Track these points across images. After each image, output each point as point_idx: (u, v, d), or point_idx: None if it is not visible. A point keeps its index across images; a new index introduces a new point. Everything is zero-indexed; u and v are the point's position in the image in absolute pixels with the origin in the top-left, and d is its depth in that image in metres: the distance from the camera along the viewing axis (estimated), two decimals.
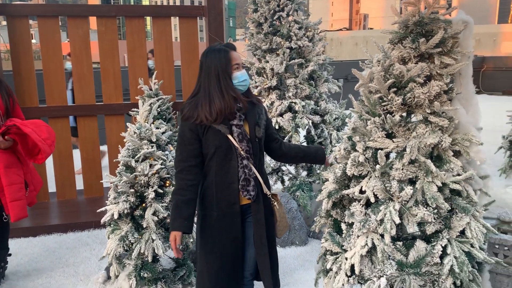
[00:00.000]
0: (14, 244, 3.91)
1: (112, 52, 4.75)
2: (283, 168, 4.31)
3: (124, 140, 3.06)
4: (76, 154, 4.96)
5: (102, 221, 2.96)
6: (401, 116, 2.06)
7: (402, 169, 2.01)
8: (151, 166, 2.90)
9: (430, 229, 2.01)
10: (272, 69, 4.09)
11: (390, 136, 2.09)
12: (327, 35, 25.58)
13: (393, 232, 1.98)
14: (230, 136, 2.18)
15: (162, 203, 2.91)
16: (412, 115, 2.10)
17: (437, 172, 1.98)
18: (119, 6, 5.28)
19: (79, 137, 4.88)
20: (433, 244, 2.01)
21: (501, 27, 25.55)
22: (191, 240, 3.06)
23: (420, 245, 2.02)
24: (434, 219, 1.99)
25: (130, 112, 4.15)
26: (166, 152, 3.07)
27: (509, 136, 5.42)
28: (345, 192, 2.16)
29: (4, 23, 4.92)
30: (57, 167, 4.80)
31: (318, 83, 4.26)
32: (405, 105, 2.04)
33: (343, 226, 2.20)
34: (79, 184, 4.96)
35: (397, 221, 1.96)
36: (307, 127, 4.07)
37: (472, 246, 2.01)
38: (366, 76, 2.13)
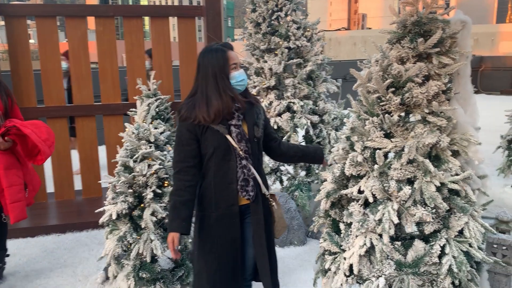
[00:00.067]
0: (12, 245, 3.90)
1: (110, 52, 4.75)
2: (282, 168, 4.31)
3: (123, 140, 3.05)
4: (75, 154, 4.95)
5: (100, 221, 2.95)
6: (399, 116, 2.06)
7: (401, 169, 2.01)
8: (149, 166, 2.90)
9: (428, 229, 2.01)
10: (270, 69, 4.09)
11: (388, 136, 2.09)
12: (325, 35, 25.60)
13: (392, 232, 1.98)
14: (228, 136, 2.17)
15: (161, 203, 2.90)
16: (411, 115, 2.11)
17: (436, 172, 1.98)
18: (117, 6, 5.28)
19: (77, 137, 4.88)
20: (431, 244, 2.01)
21: (499, 26, 25.59)
22: (190, 240, 3.06)
23: (418, 245, 2.02)
24: (433, 219, 1.99)
25: (128, 112, 4.15)
26: (165, 152, 3.06)
27: (508, 136, 5.42)
28: (344, 192, 2.16)
29: (2, 23, 4.92)
30: (56, 167, 4.79)
31: (316, 83, 4.26)
32: (403, 105, 2.04)
33: (342, 226, 2.20)
34: (78, 185, 4.95)
35: (396, 221, 1.96)
36: (305, 127, 4.07)
37: (470, 245, 2.01)
38: (365, 76, 2.13)
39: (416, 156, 2.00)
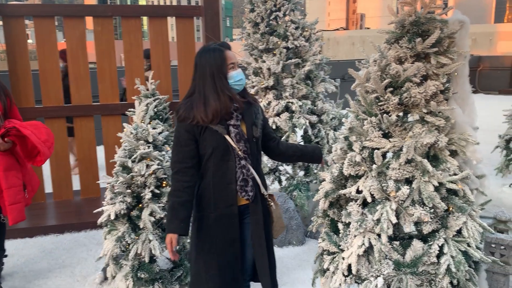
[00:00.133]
0: (10, 245, 3.89)
1: (109, 52, 4.74)
2: (280, 168, 4.31)
3: (121, 140, 3.05)
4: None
5: (98, 221, 2.95)
6: (397, 115, 2.06)
7: (399, 169, 2.01)
8: (147, 166, 2.89)
9: (426, 229, 2.02)
10: (269, 69, 4.09)
11: (386, 136, 2.09)
12: (324, 34, 25.58)
13: (390, 231, 1.98)
14: (227, 137, 2.16)
15: (159, 203, 2.90)
16: (409, 115, 2.11)
17: (434, 172, 1.98)
18: (115, 6, 5.27)
19: (76, 137, 4.87)
20: (430, 243, 2.02)
21: (497, 26, 25.62)
22: (188, 240, 3.05)
23: (417, 244, 2.02)
24: (431, 218, 2.00)
25: (126, 112, 4.14)
26: (163, 153, 3.06)
27: (506, 135, 5.43)
28: (342, 192, 2.16)
29: (0, 23, 4.90)
30: (54, 167, 4.78)
31: (315, 83, 4.26)
32: (402, 104, 2.04)
33: (340, 226, 2.20)
34: (76, 185, 4.95)
35: (394, 220, 1.96)
36: (304, 127, 4.07)
37: (468, 245, 2.02)
38: (363, 76, 2.13)
39: (414, 156, 2.00)
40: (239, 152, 2.18)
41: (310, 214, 4.13)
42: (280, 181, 4.30)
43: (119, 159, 2.94)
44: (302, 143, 4.21)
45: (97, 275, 3.29)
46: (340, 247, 2.16)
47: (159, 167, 2.92)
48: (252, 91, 4.19)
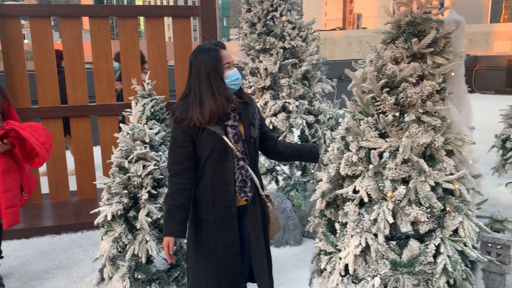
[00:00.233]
0: (6, 246, 3.88)
1: (105, 52, 4.73)
2: (277, 168, 4.32)
3: (118, 141, 3.04)
4: (70, 154, 4.93)
5: (95, 222, 2.94)
6: (394, 116, 2.06)
7: (395, 169, 2.01)
8: (144, 167, 2.89)
9: (423, 229, 2.02)
10: (265, 69, 4.09)
11: (383, 136, 2.09)
12: (320, 34, 25.60)
13: (387, 231, 1.98)
14: (225, 137, 2.14)
15: (156, 204, 2.89)
16: (405, 115, 2.11)
17: (430, 172, 1.98)
18: (112, 6, 5.26)
19: (72, 138, 4.85)
20: (426, 243, 2.02)
21: (493, 26, 25.71)
22: (185, 241, 3.05)
23: (413, 244, 2.02)
24: (427, 218, 2.00)
25: (123, 112, 4.14)
26: (160, 153, 3.06)
27: (502, 135, 5.45)
28: (339, 192, 2.16)
29: None
30: (50, 168, 4.77)
31: (311, 83, 4.27)
32: (398, 105, 2.05)
33: (337, 226, 2.21)
34: (73, 185, 4.93)
35: (391, 220, 1.97)
36: (301, 127, 4.07)
37: (465, 245, 2.02)
38: (359, 76, 2.13)
39: (411, 156, 2.00)
40: (237, 153, 2.17)
41: (307, 214, 4.13)
42: (277, 181, 4.30)
43: (116, 159, 2.93)
44: (299, 143, 4.21)
45: (94, 276, 3.28)
46: (337, 247, 2.16)
47: (156, 167, 2.91)
48: (249, 91, 4.19)
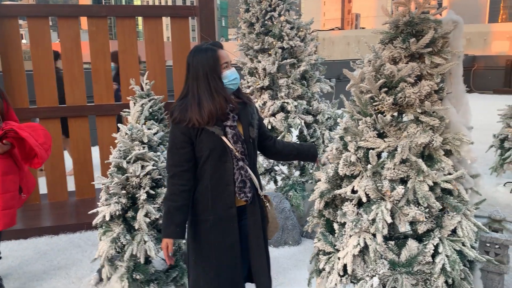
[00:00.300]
0: (4, 247, 3.87)
1: (103, 52, 4.72)
2: (276, 168, 4.32)
3: (116, 141, 3.04)
4: (67, 155, 4.92)
5: (93, 222, 2.93)
6: (392, 116, 2.06)
7: (394, 169, 2.01)
8: (142, 167, 2.88)
9: (421, 228, 2.02)
10: (264, 69, 4.09)
11: (381, 135, 2.09)
12: (319, 34, 25.61)
13: (385, 231, 1.98)
14: (224, 138, 2.13)
15: (154, 204, 2.89)
16: (403, 115, 2.11)
17: (428, 172, 1.98)
18: (110, 6, 5.25)
19: (70, 138, 4.85)
20: (425, 243, 2.02)
21: (491, 26, 25.75)
22: (183, 241, 3.05)
23: (412, 244, 2.03)
24: (426, 218, 2.00)
25: (121, 112, 4.13)
26: (158, 153, 3.05)
27: (500, 135, 5.45)
28: (337, 192, 2.16)
29: None
30: (48, 168, 4.76)
31: (310, 83, 4.27)
32: (396, 105, 2.05)
33: (336, 226, 2.21)
34: (71, 186, 4.93)
35: (389, 220, 1.97)
36: (299, 127, 4.08)
37: (463, 244, 2.03)
38: (357, 76, 2.13)
39: (409, 156, 2.00)
40: (237, 153, 2.16)
41: (305, 214, 4.13)
42: (275, 181, 4.30)
43: (114, 160, 2.92)
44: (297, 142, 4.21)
45: (92, 277, 3.28)
46: (335, 247, 2.16)
47: (154, 168, 2.91)
48: (247, 91, 4.19)
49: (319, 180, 2.29)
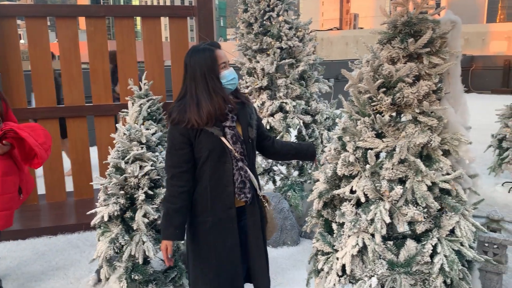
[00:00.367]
0: (2, 247, 3.86)
1: (102, 52, 4.72)
2: (275, 168, 4.32)
3: (114, 141, 3.03)
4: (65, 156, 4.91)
5: (92, 223, 2.93)
6: (390, 116, 2.06)
7: (392, 169, 2.02)
8: (141, 167, 2.88)
9: (420, 228, 2.02)
10: (262, 69, 4.09)
11: (380, 136, 2.09)
12: (317, 34, 25.61)
13: (384, 231, 1.98)
14: (223, 139, 2.12)
15: (153, 204, 2.89)
16: (402, 115, 2.12)
17: (427, 172, 1.99)
18: (108, 6, 5.25)
19: (69, 138, 4.84)
20: (423, 243, 2.02)
21: (489, 26, 25.80)
22: (182, 242, 3.04)
23: (410, 244, 2.03)
24: (424, 218, 2.00)
25: (120, 113, 4.13)
26: (156, 154, 3.05)
27: (498, 135, 5.46)
28: (336, 192, 2.16)
29: None
30: (47, 168, 4.75)
31: (308, 83, 4.27)
32: (395, 105, 2.05)
33: (334, 226, 2.21)
34: (69, 186, 4.92)
35: (388, 220, 1.97)
36: (298, 127, 4.08)
37: (462, 244, 2.03)
38: (356, 76, 2.13)
39: (408, 156, 2.01)
40: (236, 154, 2.15)
41: (304, 214, 4.13)
42: (274, 181, 4.30)
43: (112, 160, 2.92)
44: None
45: (91, 277, 3.27)
46: (334, 247, 2.16)
47: (153, 168, 2.91)
48: (246, 91, 4.19)
49: (318, 180, 2.29)
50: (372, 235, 2.03)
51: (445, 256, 1.99)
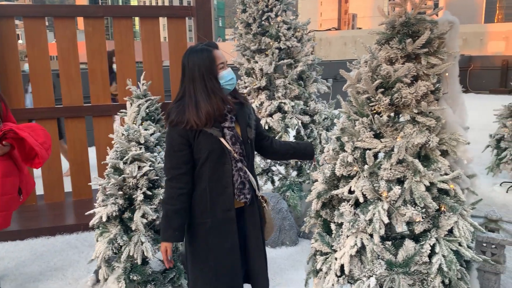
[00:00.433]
0: (1, 248, 3.86)
1: (100, 52, 4.71)
2: (273, 168, 4.32)
3: (112, 142, 3.03)
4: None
5: (90, 223, 2.93)
6: (388, 116, 2.07)
7: (390, 169, 2.02)
8: (139, 168, 2.88)
9: (418, 229, 2.02)
10: (261, 70, 4.09)
11: (378, 136, 2.10)
12: (316, 35, 25.59)
13: (382, 231, 1.98)
14: (222, 139, 2.11)
15: (151, 205, 2.88)
16: (400, 115, 2.12)
17: (425, 172, 1.99)
18: (106, 6, 5.25)
19: (67, 139, 4.83)
20: (421, 243, 2.02)
21: (487, 26, 25.85)
22: (181, 242, 3.04)
23: (409, 244, 2.03)
24: (423, 218, 2.01)
25: (118, 113, 4.12)
26: (155, 154, 3.05)
27: (496, 135, 5.47)
28: (334, 192, 2.16)
29: None
30: (45, 169, 4.74)
31: (307, 83, 4.27)
32: (393, 105, 2.05)
33: (333, 226, 2.21)
34: (68, 187, 4.91)
35: (386, 220, 1.97)
36: (296, 127, 4.08)
37: (460, 244, 2.03)
38: (354, 76, 2.13)
39: (406, 156, 2.01)
40: (235, 155, 2.14)
41: (303, 214, 4.13)
42: (273, 182, 4.30)
43: (111, 160, 2.92)
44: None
45: (89, 278, 3.27)
46: (332, 248, 2.16)
47: (151, 168, 2.90)
48: (244, 92, 4.19)
49: (316, 180, 2.29)
50: (371, 235, 2.03)
51: (444, 256, 1.99)
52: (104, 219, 2.83)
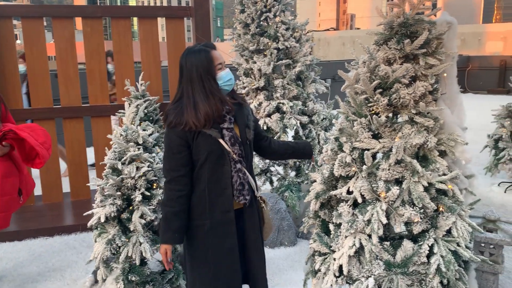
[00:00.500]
0: None
1: (98, 53, 4.71)
2: (272, 168, 4.32)
3: (111, 142, 3.03)
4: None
5: (88, 224, 2.92)
6: (387, 116, 2.07)
7: (389, 170, 2.02)
8: (138, 168, 2.88)
9: (417, 229, 2.02)
10: (259, 70, 4.09)
11: (376, 136, 2.10)
12: (314, 35, 25.67)
13: (381, 232, 1.99)
14: (221, 141, 2.10)
15: (150, 205, 2.88)
16: (398, 116, 2.12)
17: (423, 172, 1.99)
18: (105, 7, 5.23)
19: (65, 139, 4.83)
20: (420, 243, 2.02)
21: (485, 26, 25.91)
22: (180, 244, 3.03)
23: (407, 244, 2.03)
24: (421, 218, 2.01)
25: (116, 113, 4.12)
26: (153, 154, 3.04)
27: (494, 135, 5.48)
28: (333, 192, 2.16)
29: None
30: (43, 169, 4.73)
31: (305, 84, 4.27)
32: (391, 105, 2.05)
33: (331, 226, 2.21)
34: (66, 187, 4.90)
35: (384, 221, 1.97)
36: (295, 127, 4.08)
37: (458, 245, 2.03)
38: (352, 77, 2.14)
39: (404, 157, 2.01)
40: (234, 156, 2.13)
41: (301, 214, 4.13)
42: (271, 182, 4.30)
43: (109, 161, 2.91)
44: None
45: (88, 278, 3.27)
46: (331, 248, 2.16)
47: (149, 169, 2.90)
48: (243, 92, 4.19)
49: (315, 181, 2.29)
50: (369, 235, 2.03)
51: (442, 256, 1.99)
52: (102, 220, 2.83)
